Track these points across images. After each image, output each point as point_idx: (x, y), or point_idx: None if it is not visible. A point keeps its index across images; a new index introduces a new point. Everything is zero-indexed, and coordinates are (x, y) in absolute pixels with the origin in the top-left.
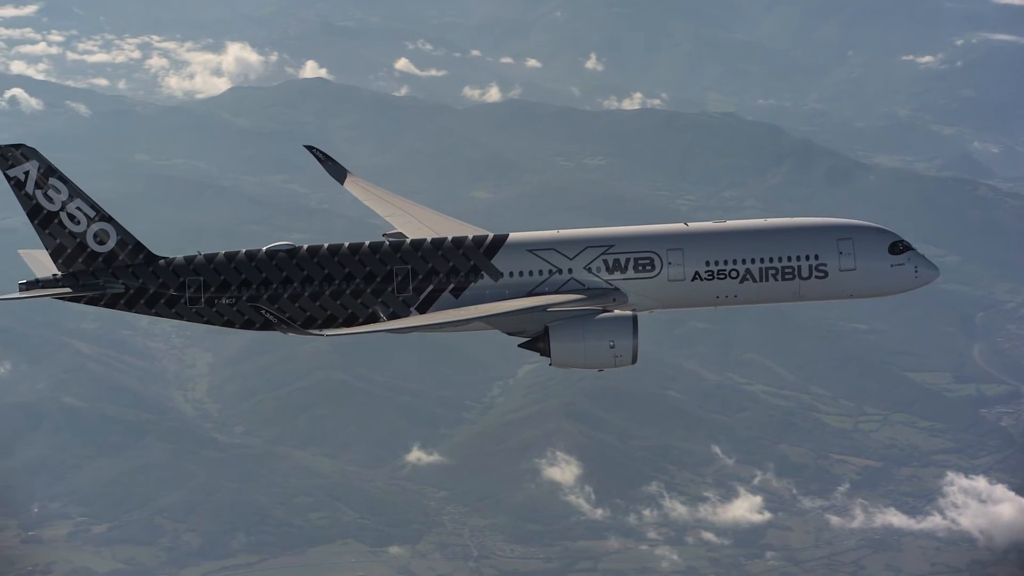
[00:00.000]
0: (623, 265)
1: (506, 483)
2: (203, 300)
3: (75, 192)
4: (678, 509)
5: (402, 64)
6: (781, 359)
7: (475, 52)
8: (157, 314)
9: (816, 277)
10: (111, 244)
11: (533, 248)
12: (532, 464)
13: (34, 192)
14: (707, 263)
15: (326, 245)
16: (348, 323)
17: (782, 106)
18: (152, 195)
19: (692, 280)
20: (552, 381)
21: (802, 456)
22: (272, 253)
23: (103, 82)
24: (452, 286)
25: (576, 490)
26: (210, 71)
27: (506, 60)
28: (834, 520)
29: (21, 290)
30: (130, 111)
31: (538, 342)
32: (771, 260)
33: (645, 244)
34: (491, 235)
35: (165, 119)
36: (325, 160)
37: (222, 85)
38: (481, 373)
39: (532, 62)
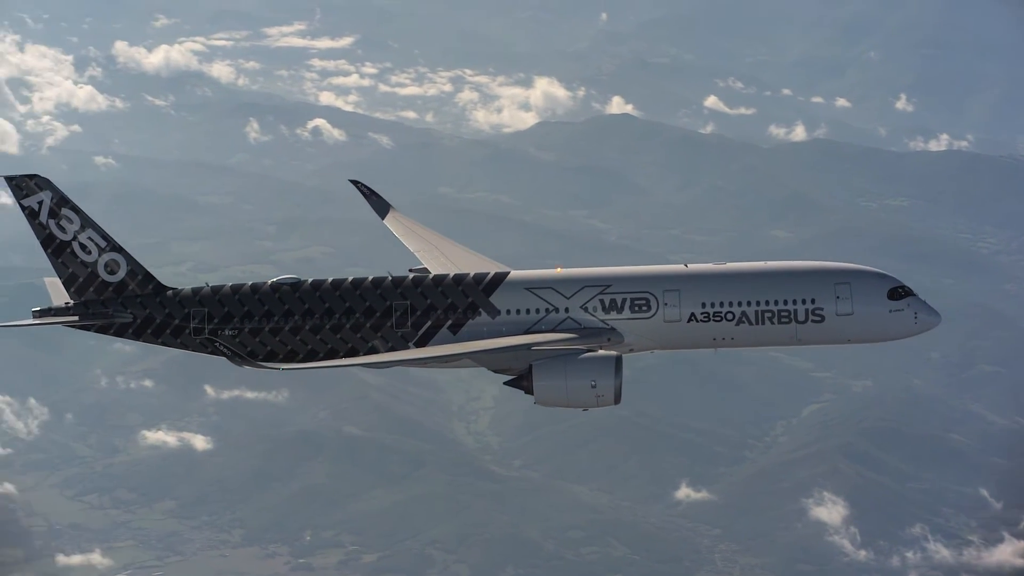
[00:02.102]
0: (619, 305)
1: (779, 522)
2: (207, 331)
3: (87, 222)
4: (942, 552)
5: (711, 101)
6: None
7: (786, 91)
8: (163, 343)
9: (813, 321)
10: (121, 274)
11: (531, 286)
12: (802, 504)
13: (47, 221)
14: (703, 305)
15: (330, 279)
16: (349, 356)
17: None
18: (452, 228)
19: (688, 321)
20: (834, 421)
21: None
22: (276, 286)
23: (411, 115)
24: (450, 322)
25: (841, 530)
26: (518, 105)
27: (816, 99)
28: None
29: (34, 317)
30: (436, 144)
31: (522, 380)
32: (767, 303)
33: (642, 285)
34: (492, 272)
35: (470, 152)
36: (370, 195)
37: (529, 120)
38: (765, 412)
39: (842, 102)
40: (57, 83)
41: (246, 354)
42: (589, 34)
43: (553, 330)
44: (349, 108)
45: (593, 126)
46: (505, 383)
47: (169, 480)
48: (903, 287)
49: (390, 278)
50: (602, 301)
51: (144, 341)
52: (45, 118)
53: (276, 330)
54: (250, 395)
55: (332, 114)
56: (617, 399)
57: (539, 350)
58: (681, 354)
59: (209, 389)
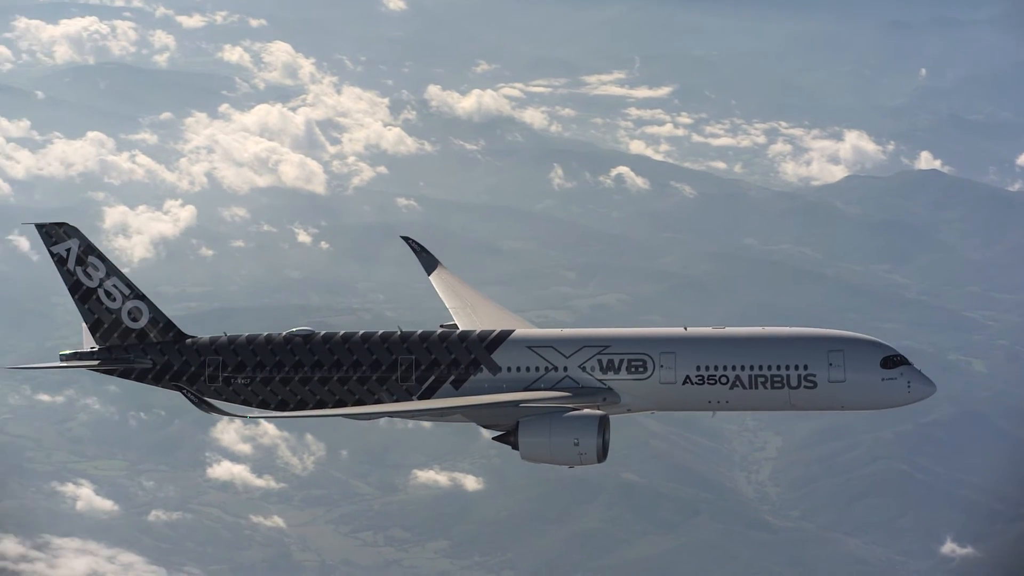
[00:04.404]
0: (616, 366)
1: None
2: (220, 379)
3: (112, 270)
4: None
5: None
6: None
7: None
8: (179, 389)
9: (805, 387)
10: (143, 321)
11: (532, 345)
12: None
13: (75, 268)
14: (698, 368)
15: (340, 333)
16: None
17: None
18: (752, 278)
19: (683, 384)
20: None
21: None
22: (289, 338)
23: (721, 165)
24: (453, 378)
25: None
26: (827, 158)
27: None
28: None
29: (61, 360)
30: (742, 195)
31: (510, 436)
32: (761, 368)
33: (639, 346)
34: (496, 330)
35: (776, 204)
36: (420, 251)
37: (838, 173)
38: None
39: None
40: (367, 125)
41: (258, 403)
42: (907, 90)
43: (552, 388)
44: (659, 157)
45: (900, 181)
46: (493, 438)
47: (443, 520)
48: (897, 356)
49: (399, 332)
50: (600, 361)
51: (163, 387)
52: (351, 159)
53: (286, 380)
54: None
55: (637, 162)
56: (601, 458)
57: (527, 407)
58: (968, 410)
59: (484, 430)
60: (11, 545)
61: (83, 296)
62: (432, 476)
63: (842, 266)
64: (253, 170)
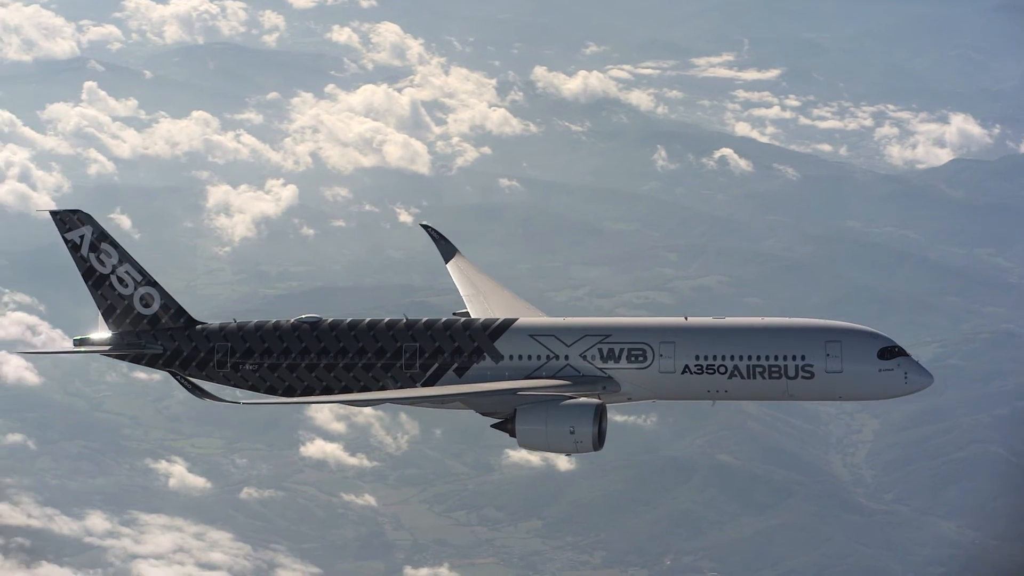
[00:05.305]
0: (616, 355)
1: None
2: (229, 364)
3: (124, 257)
4: None
5: None
6: None
7: None
8: (173, 375)
9: (803, 377)
10: (155, 307)
11: (534, 333)
12: None
13: (88, 255)
14: (697, 357)
15: (347, 320)
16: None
17: None
18: (855, 261)
19: (682, 373)
20: None
21: None
22: (296, 325)
23: (827, 148)
24: (456, 365)
25: None
26: (933, 141)
27: None
28: None
29: (75, 346)
30: (847, 177)
31: (507, 424)
32: (759, 358)
33: (640, 336)
34: (500, 319)
35: (881, 187)
36: (439, 239)
37: (944, 156)
38: None
39: None
40: (472, 106)
41: (266, 388)
42: (1015, 73)
43: (553, 377)
44: (765, 140)
45: (1006, 165)
46: (492, 426)
47: (537, 500)
48: (894, 347)
49: (404, 320)
50: (600, 350)
51: (172, 372)
52: (456, 139)
53: (293, 366)
54: (619, 419)
55: (741, 144)
56: (596, 446)
57: (525, 395)
58: None
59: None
60: (98, 521)
61: (96, 282)
62: (525, 456)
63: (945, 249)
64: (358, 150)
